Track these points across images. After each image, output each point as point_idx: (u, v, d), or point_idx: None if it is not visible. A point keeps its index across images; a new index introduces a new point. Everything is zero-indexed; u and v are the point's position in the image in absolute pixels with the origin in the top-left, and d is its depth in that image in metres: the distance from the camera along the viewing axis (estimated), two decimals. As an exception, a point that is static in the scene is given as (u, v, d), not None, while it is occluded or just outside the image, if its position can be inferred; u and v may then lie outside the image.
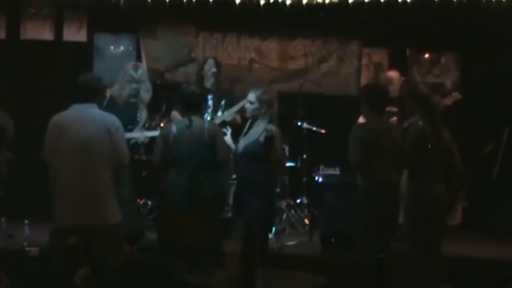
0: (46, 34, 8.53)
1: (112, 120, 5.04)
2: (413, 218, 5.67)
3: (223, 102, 7.20)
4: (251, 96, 6.15)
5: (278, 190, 7.23)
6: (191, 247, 5.49)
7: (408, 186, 5.79)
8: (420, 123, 5.83)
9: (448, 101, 7.09)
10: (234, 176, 6.65)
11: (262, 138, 5.89)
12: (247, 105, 6.17)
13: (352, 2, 7.78)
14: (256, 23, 8.68)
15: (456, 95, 7.42)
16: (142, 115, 6.86)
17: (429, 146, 5.65)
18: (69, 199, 4.85)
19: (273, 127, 5.98)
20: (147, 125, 7.20)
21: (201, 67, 7.43)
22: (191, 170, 5.59)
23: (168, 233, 5.66)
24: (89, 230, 4.81)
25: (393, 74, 7.96)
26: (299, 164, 8.18)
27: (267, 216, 6.07)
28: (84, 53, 8.57)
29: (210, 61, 7.40)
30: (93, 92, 5.09)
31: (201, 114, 6.17)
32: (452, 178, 5.74)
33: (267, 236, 6.27)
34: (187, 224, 5.50)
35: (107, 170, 4.91)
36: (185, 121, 5.74)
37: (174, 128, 5.72)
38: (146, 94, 6.85)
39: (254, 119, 6.12)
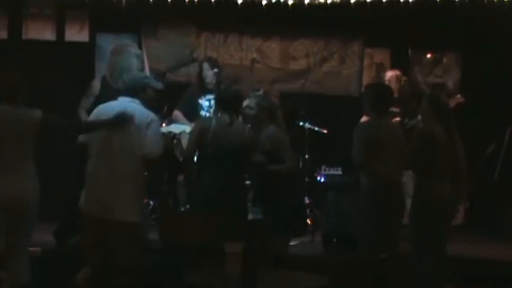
0: (48, 34, 8.53)
1: (146, 115, 4.99)
2: (419, 218, 5.66)
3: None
4: (251, 102, 6.01)
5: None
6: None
7: (414, 186, 5.79)
8: (426, 123, 5.81)
9: (451, 103, 7.07)
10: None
11: (267, 147, 5.87)
12: (247, 111, 6.03)
13: (354, 2, 7.80)
14: (258, 23, 8.69)
15: (459, 98, 7.41)
16: None
17: (438, 147, 5.63)
18: (92, 188, 4.94)
19: (277, 131, 5.96)
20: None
21: (200, 69, 7.45)
22: (228, 170, 5.54)
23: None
24: (103, 222, 4.85)
25: (391, 73, 7.94)
26: (301, 165, 8.18)
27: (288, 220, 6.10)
28: (86, 53, 8.57)
29: (206, 64, 7.41)
30: (135, 88, 5.12)
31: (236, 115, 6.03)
32: (456, 179, 5.73)
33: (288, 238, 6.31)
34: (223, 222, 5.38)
35: (133, 167, 4.90)
36: (225, 118, 5.65)
37: (214, 123, 5.63)
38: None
39: (255, 125, 5.99)
